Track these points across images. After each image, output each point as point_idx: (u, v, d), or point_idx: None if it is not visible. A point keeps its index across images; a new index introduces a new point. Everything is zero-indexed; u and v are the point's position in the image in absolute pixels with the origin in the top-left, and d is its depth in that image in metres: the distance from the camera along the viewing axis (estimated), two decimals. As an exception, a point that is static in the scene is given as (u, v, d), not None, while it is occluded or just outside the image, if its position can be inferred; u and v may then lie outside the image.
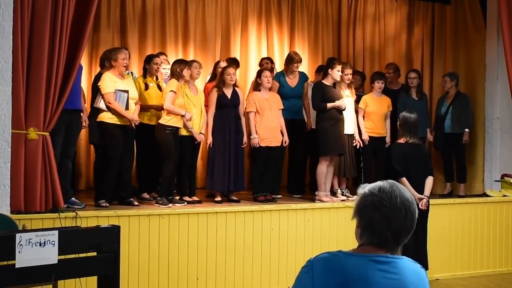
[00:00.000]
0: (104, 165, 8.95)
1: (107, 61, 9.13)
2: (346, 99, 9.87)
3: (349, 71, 10.16)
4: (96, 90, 9.03)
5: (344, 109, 9.68)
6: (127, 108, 8.73)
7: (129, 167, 9.10)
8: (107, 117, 8.70)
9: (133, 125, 8.77)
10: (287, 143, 10.02)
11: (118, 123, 8.73)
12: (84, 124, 8.93)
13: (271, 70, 10.80)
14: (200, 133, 9.42)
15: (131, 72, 10.13)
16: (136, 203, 8.80)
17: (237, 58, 11.73)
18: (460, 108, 11.00)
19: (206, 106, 9.67)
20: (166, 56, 10.85)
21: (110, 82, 8.70)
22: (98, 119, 8.79)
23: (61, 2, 7.42)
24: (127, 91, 8.74)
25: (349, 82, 10.13)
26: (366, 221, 2.82)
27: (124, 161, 8.87)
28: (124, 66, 8.87)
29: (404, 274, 2.79)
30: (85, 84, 10.42)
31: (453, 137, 11.00)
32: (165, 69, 10.15)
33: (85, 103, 9.31)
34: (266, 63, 11.17)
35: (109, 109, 8.68)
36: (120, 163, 8.79)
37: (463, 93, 11.23)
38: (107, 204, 8.51)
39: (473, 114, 11.33)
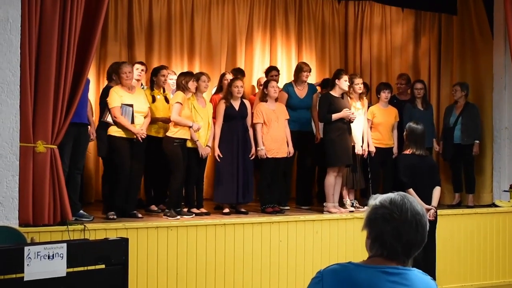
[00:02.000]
0: (112, 178, 8.96)
1: (114, 75, 9.19)
2: (357, 112, 9.86)
3: (359, 80, 10.16)
4: (104, 104, 9.07)
5: (352, 120, 9.66)
6: (132, 121, 8.75)
7: (136, 181, 9.09)
8: (114, 131, 8.77)
9: (140, 138, 8.78)
10: (291, 154, 9.99)
11: (125, 136, 8.77)
12: (92, 137, 8.95)
13: (277, 81, 10.80)
14: (207, 145, 9.41)
15: (142, 86, 10.11)
16: (140, 215, 8.78)
17: (236, 67, 11.74)
18: (469, 119, 10.96)
19: (214, 118, 9.68)
20: (169, 68, 10.86)
21: (116, 97, 8.76)
22: (108, 133, 8.83)
23: (69, 16, 7.45)
24: (131, 105, 8.76)
25: (360, 92, 10.10)
26: (376, 233, 2.81)
27: (133, 174, 8.88)
28: (127, 80, 8.88)
29: (415, 286, 2.77)
30: (92, 97, 10.45)
31: (462, 148, 10.95)
32: (172, 80, 10.15)
33: (92, 116, 9.33)
34: (275, 75, 11.14)
35: (115, 123, 8.72)
36: (129, 176, 8.80)
37: (472, 103, 11.18)
38: (115, 217, 8.51)
39: (482, 124, 11.29)
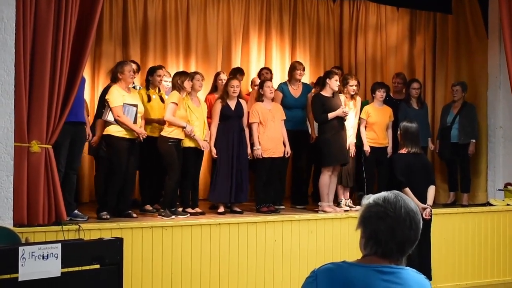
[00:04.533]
0: (107, 177, 8.95)
1: (120, 74, 9.11)
2: (348, 112, 9.87)
3: (353, 82, 10.17)
4: (102, 103, 9.04)
5: (345, 117, 9.67)
6: (135, 122, 8.74)
7: (131, 181, 9.09)
8: (114, 131, 8.70)
9: (141, 138, 8.78)
10: (289, 154, 10.01)
11: (127, 136, 8.74)
12: (88, 137, 8.91)
13: (271, 80, 10.80)
14: (204, 139, 9.40)
15: (134, 85, 10.07)
16: (134, 215, 8.77)
17: (236, 67, 11.75)
18: (467, 118, 10.98)
19: (208, 118, 9.67)
20: (165, 69, 10.87)
21: (118, 96, 8.72)
22: (104, 132, 8.80)
23: (63, 15, 7.43)
24: (136, 105, 8.76)
25: (353, 93, 10.11)
26: (370, 231, 2.81)
27: (128, 174, 8.88)
28: (131, 79, 8.89)
29: (408, 285, 2.77)
30: (88, 96, 10.43)
31: (459, 148, 10.97)
32: (166, 82, 10.14)
33: (88, 115, 9.31)
34: (266, 73, 11.18)
35: (118, 122, 8.69)
36: (125, 176, 8.80)
37: (470, 103, 11.21)
38: (108, 216, 8.50)
39: (478, 124, 11.30)
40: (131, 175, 9.00)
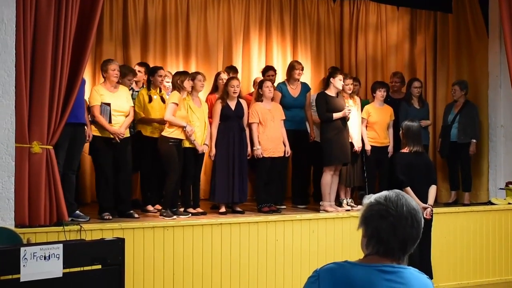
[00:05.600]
0: (98, 178, 9.06)
1: (103, 72, 9.09)
2: (352, 109, 9.87)
3: (349, 81, 10.16)
4: None
5: (349, 118, 9.68)
6: (110, 121, 8.74)
7: (124, 181, 9.05)
8: (94, 130, 8.83)
9: (117, 138, 8.77)
10: (289, 154, 10.01)
11: (101, 135, 8.81)
12: (87, 138, 8.91)
13: (273, 81, 10.81)
14: (205, 143, 9.40)
15: (132, 88, 10.05)
16: (136, 215, 8.79)
17: (237, 68, 11.74)
18: (467, 118, 10.97)
19: (210, 117, 9.67)
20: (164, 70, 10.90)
21: (96, 95, 8.81)
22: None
23: (64, 16, 7.44)
24: (109, 104, 8.75)
25: (350, 92, 10.11)
26: (372, 230, 2.81)
27: (119, 175, 8.89)
28: (115, 77, 8.88)
29: (410, 284, 2.77)
30: (88, 97, 10.43)
31: (459, 147, 10.96)
32: (168, 83, 10.13)
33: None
34: (272, 75, 11.16)
35: (93, 122, 8.79)
36: (115, 177, 8.83)
37: (472, 102, 11.20)
38: (110, 217, 8.52)
39: (479, 123, 11.29)
40: (123, 175, 8.99)
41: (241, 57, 12.73)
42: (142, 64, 10.63)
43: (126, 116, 8.97)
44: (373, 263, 2.80)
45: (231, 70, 11.20)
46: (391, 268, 2.77)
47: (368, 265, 2.79)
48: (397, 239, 2.78)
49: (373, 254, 2.82)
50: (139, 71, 10.25)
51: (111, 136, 8.77)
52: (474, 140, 10.97)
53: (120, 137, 8.77)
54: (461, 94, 11.05)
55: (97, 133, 8.77)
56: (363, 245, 2.87)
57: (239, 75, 11.56)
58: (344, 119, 9.68)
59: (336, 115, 9.56)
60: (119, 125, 8.84)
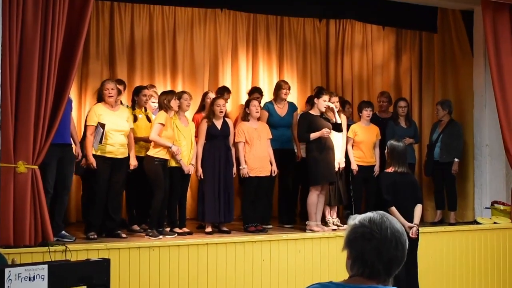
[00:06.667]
0: (90, 197, 9.01)
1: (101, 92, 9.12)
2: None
3: (335, 98, 10.18)
4: None
5: (327, 136, 9.66)
6: (101, 141, 8.72)
7: (113, 200, 9.02)
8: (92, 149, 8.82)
9: (91, 166, 8.75)
10: (275, 173, 10.01)
11: (100, 154, 8.81)
12: (78, 157, 8.86)
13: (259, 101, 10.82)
14: (191, 163, 9.39)
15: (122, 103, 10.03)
16: (124, 235, 8.79)
17: (221, 86, 11.73)
18: (450, 137, 11.01)
19: (196, 137, 9.67)
20: (155, 88, 10.88)
21: (93, 115, 8.86)
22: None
23: (50, 35, 7.44)
24: (103, 125, 8.74)
25: (337, 110, 10.11)
26: (357, 252, 2.80)
27: (109, 193, 8.88)
28: (108, 97, 8.87)
29: (395, 305, 2.78)
30: (76, 116, 10.41)
31: (442, 166, 11.00)
32: (154, 103, 10.11)
33: (76, 135, 9.23)
34: (256, 98, 11.11)
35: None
36: (106, 195, 8.82)
37: (456, 121, 11.25)
38: (96, 236, 8.50)
39: (464, 142, 11.33)
40: (113, 194, 8.97)
41: (228, 76, 12.70)
42: (120, 81, 10.43)
43: (126, 136, 8.97)
44: (358, 283, 2.80)
45: (225, 91, 11.18)
46: (375, 290, 2.77)
47: (353, 286, 2.79)
48: (381, 261, 2.77)
49: (358, 275, 2.81)
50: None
51: (109, 155, 8.78)
52: (457, 159, 11.00)
53: (92, 166, 8.73)
54: (444, 113, 11.09)
55: (94, 152, 8.75)
56: (348, 266, 2.87)
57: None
58: (330, 138, 9.69)
59: (313, 135, 9.57)
60: (119, 144, 8.85)
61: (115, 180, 8.91)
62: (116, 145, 8.83)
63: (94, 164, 8.70)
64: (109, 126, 8.77)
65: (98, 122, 8.73)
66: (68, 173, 8.56)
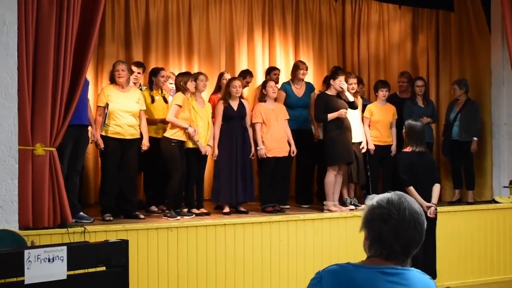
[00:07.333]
0: (102, 178, 9.20)
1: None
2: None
3: (353, 80, 10.13)
4: None
5: (344, 117, 9.65)
6: (104, 121, 8.76)
7: (127, 181, 9.04)
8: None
9: (99, 146, 8.84)
10: (295, 153, 9.99)
11: (114, 136, 8.84)
12: (93, 138, 8.89)
13: (277, 80, 10.82)
14: (208, 144, 9.40)
15: (140, 87, 10.04)
16: (142, 216, 8.82)
17: (244, 69, 11.72)
18: (468, 116, 10.93)
19: (213, 118, 9.67)
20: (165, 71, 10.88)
21: (102, 97, 8.92)
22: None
23: (65, 17, 7.44)
24: (107, 105, 8.78)
25: (354, 91, 10.07)
26: (374, 233, 2.80)
27: (122, 175, 8.91)
28: (118, 78, 8.88)
29: (413, 286, 2.77)
30: (91, 98, 10.43)
31: (461, 145, 10.93)
32: (171, 84, 10.11)
33: (93, 117, 9.26)
34: (275, 75, 11.14)
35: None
36: (118, 177, 8.87)
37: (473, 100, 11.15)
38: (111, 218, 8.54)
39: (481, 121, 11.26)
40: (125, 175, 9.00)
41: (244, 57, 12.69)
42: (139, 64, 10.52)
43: (139, 117, 8.98)
44: (376, 265, 2.79)
45: (247, 74, 11.18)
46: (393, 270, 2.77)
47: (371, 267, 2.79)
48: (399, 242, 2.77)
49: (376, 256, 2.81)
50: (138, 72, 10.16)
51: (117, 136, 8.79)
52: (476, 138, 10.93)
53: (100, 146, 8.82)
54: (461, 92, 11.02)
55: (104, 133, 8.78)
56: (365, 247, 2.87)
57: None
58: (347, 119, 9.68)
59: (331, 116, 9.56)
60: (127, 124, 8.83)
61: (125, 161, 8.92)
62: (124, 126, 8.82)
63: (102, 145, 8.75)
64: (117, 106, 8.78)
65: (108, 103, 8.76)
66: (80, 155, 8.60)
